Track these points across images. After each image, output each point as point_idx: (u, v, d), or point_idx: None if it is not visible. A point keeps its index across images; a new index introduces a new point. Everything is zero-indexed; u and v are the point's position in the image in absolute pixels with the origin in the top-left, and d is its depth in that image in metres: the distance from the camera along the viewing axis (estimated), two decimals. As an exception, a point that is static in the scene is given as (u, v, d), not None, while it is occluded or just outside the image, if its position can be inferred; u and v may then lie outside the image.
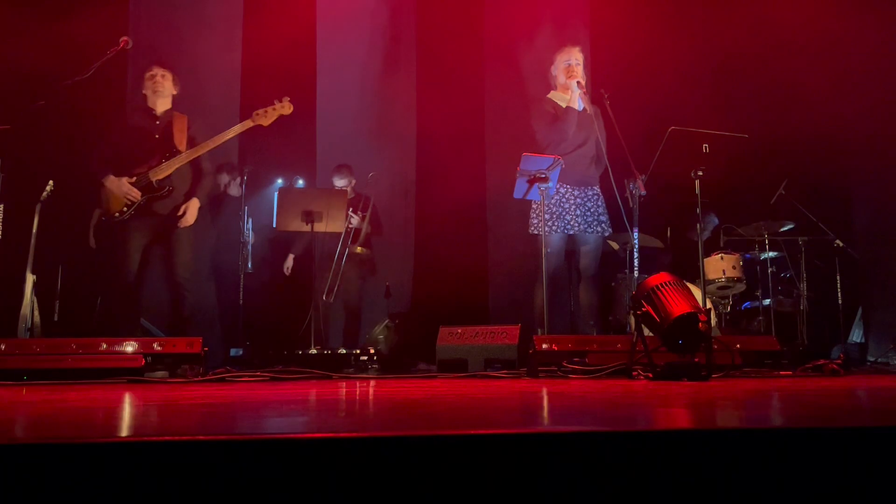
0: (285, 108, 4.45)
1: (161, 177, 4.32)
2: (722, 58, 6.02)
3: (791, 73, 5.65)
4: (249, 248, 5.18)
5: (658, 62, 5.93)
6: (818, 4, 5.53)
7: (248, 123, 4.42)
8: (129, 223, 4.33)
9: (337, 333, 5.57)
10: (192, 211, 4.39)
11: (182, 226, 4.37)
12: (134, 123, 4.47)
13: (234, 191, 5.57)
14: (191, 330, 4.35)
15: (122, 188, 4.28)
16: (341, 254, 5.27)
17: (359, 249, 5.51)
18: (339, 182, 5.61)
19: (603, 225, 4.69)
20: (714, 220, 5.90)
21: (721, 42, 5.97)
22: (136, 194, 4.28)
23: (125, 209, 4.31)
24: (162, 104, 4.49)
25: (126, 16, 5.99)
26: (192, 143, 4.40)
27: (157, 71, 4.48)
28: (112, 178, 4.31)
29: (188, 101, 5.69)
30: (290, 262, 5.61)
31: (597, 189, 4.74)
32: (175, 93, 4.54)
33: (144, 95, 4.52)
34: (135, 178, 4.31)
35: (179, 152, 4.35)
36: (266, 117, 4.42)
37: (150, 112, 4.48)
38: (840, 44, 5.64)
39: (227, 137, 4.41)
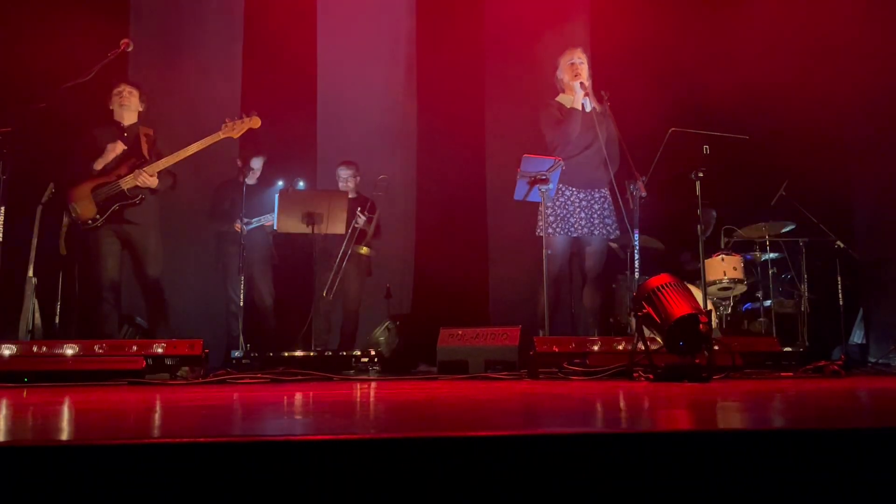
0: (254, 122, 4.60)
1: (132, 185, 4.43)
2: (722, 58, 6.01)
3: (792, 73, 5.65)
4: (271, 238, 5.20)
5: (658, 62, 5.92)
6: (819, 5, 5.53)
7: (218, 136, 4.55)
8: (101, 230, 4.45)
9: (336, 335, 5.56)
10: (146, 180, 4.41)
11: (142, 185, 4.41)
12: (101, 135, 4.58)
13: (251, 179, 5.41)
14: (179, 329, 4.45)
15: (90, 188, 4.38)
16: (344, 253, 5.26)
17: (363, 250, 5.49)
18: (344, 173, 5.57)
19: (609, 227, 4.65)
20: (713, 214, 5.87)
21: (721, 42, 5.97)
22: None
23: (97, 216, 4.42)
24: (129, 118, 4.62)
25: (126, 18, 5.99)
26: (159, 155, 4.52)
27: (125, 88, 4.63)
28: (78, 186, 4.42)
29: (189, 100, 5.70)
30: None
31: (605, 191, 4.68)
32: (141, 109, 4.68)
33: (111, 110, 4.64)
34: (95, 185, 4.41)
35: (147, 162, 4.47)
36: (234, 129, 4.57)
37: (117, 125, 4.61)
38: (841, 44, 5.63)
39: (196, 149, 4.49)
